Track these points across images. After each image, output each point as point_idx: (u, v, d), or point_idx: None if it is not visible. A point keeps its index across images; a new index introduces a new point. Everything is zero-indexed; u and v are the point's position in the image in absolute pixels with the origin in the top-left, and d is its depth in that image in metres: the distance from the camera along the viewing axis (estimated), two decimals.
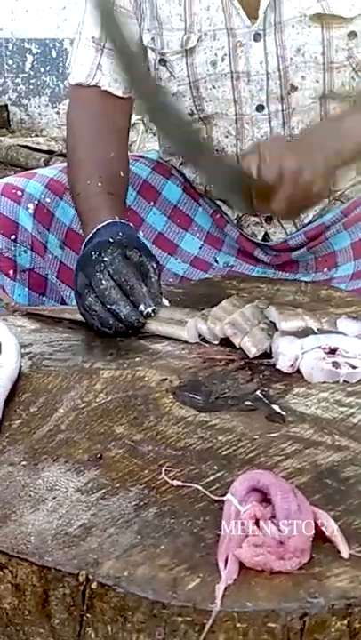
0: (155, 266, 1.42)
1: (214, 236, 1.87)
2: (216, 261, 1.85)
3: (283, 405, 1.15)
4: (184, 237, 1.86)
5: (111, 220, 1.49)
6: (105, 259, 1.37)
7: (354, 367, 1.21)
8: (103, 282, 1.36)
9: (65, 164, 1.80)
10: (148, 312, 1.36)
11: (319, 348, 1.23)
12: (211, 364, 1.28)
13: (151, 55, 1.69)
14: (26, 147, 5.47)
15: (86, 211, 1.58)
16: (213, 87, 1.66)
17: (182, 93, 1.68)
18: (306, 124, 1.68)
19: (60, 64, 5.95)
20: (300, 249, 1.82)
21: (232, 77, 1.64)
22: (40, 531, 0.91)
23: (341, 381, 1.21)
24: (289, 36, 1.60)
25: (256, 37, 1.61)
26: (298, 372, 1.24)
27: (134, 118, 5.23)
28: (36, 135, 6.01)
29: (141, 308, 1.36)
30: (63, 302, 1.77)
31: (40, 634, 0.88)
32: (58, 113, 6.01)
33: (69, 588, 0.85)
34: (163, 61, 1.67)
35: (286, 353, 1.24)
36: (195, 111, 1.70)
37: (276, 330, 1.32)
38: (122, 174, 1.68)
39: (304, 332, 1.28)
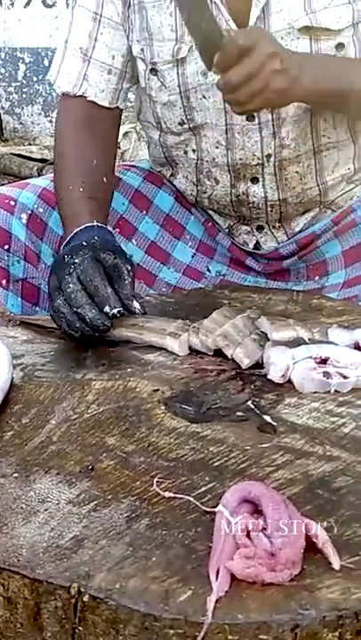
0: (129, 268, 1.42)
1: (207, 245, 1.87)
2: (208, 270, 1.86)
3: (274, 416, 1.16)
4: (176, 246, 1.86)
5: (89, 224, 1.52)
6: (75, 261, 1.39)
7: (345, 377, 1.21)
8: (71, 285, 1.37)
9: None
10: (113, 313, 1.36)
11: (310, 357, 1.23)
12: (202, 375, 1.28)
13: (141, 66, 1.69)
14: (19, 155, 5.46)
15: (68, 216, 1.61)
16: (204, 97, 1.66)
17: (173, 103, 1.69)
18: (296, 133, 1.68)
19: None
20: (291, 257, 1.82)
21: None
22: (32, 543, 0.91)
23: (333, 391, 1.21)
24: None
25: None
26: (289, 382, 1.24)
27: (127, 127, 5.23)
28: (29, 144, 6.00)
29: (106, 309, 1.36)
30: None
31: None
32: (51, 121, 6.01)
33: (61, 601, 0.85)
34: (154, 71, 1.68)
35: (278, 363, 1.24)
36: (185, 121, 1.70)
37: (268, 340, 1.32)
38: (105, 180, 1.70)
39: (295, 342, 1.28)
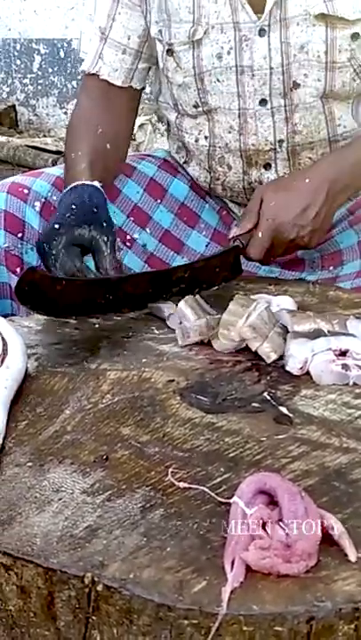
0: (106, 239, 1.46)
1: (221, 234, 1.87)
2: None
3: (290, 407, 1.15)
4: (190, 235, 1.86)
5: (73, 185, 1.58)
6: (53, 252, 1.45)
7: None
8: (59, 272, 1.44)
9: None
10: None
11: (330, 350, 1.23)
12: (218, 366, 1.27)
13: (159, 47, 1.71)
14: (34, 147, 5.46)
15: (66, 178, 1.67)
16: (218, 80, 1.67)
17: (188, 85, 1.70)
18: (309, 120, 1.68)
19: (69, 64, 5.95)
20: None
21: (237, 71, 1.65)
22: (45, 532, 0.90)
23: (351, 383, 1.20)
24: (293, 33, 1.62)
25: (261, 32, 1.62)
26: (307, 373, 1.23)
27: (143, 119, 5.23)
28: (44, 136, 6.00)
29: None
30: None
31: (45, 636, 0.88)
32: (66, 113, 6.00)
33: (75, 591, 0.85)
34: (170, 52, 1.69)
35: (296, 355, 1.24)
36: (199, 103, 1.71)
37: (287, 332, 1.31)
38: (108, 147, 1.74)
39: (315, 334, 1.28)
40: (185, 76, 1.69)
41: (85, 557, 0.86)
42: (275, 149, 1.71)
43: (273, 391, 1.19)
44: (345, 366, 1.21)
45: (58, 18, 5.89)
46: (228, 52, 1.64)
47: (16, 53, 6.20)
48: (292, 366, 1.24)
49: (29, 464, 1.03)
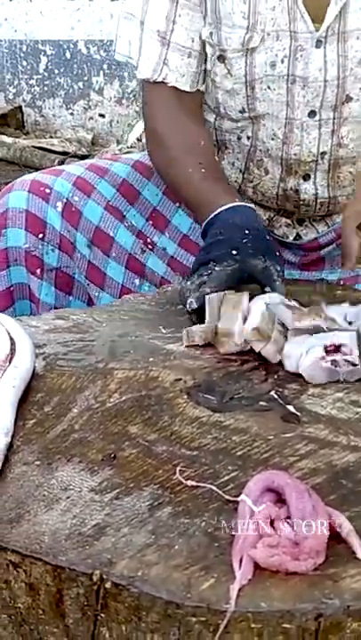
0: (278, 269, 1.41)
1: None
2: None
3: (298, 406, 1.15)
4: None
5: (234, 204, 1.51)
6: (216, 268, 1.39)
7: (354, 364, 1.21)
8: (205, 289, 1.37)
9: (90, 162, 1.83)
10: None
11: (321, 346, 1.22)
12: (225, 365, 1.27)
13: (209, 50, 1.66)
14: (40, 148, 5.46)
15: (198, 197, 1.59)
16: (269, 88, 1.64)
17: (236, 91, 1.66)
18: (357, 134, 1.67)
19: (75, 65, 5.95)
20: (329, 245, 1.81)
21: (288, 80, 1.62)
22: (54, 530, 0.91)
23: (342, 379, 1.21)
24: (352, 46, 1.59)
25: (318, 44, 1.59)
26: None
27: None
28: (51, 137, 6.00)
29: None
30: (90, 302, 1.77)
31: (54, 633, 0.88)
32: (72, 114, 6.00)
33: (83, 588, 0.85)
34: (221, 58, 1.65)
35: (291, 355, 1.24)
36: (246, 109, 1.68)
37: (287, 329, 1.31)
38: (216, 159, 1.71)
39: (314, 331, 1.27)
40: (235, 83, 1.65)
41: (94, 555, 0.87)
42: (316, 161, 1.69)
43: (280, 390, 1.20)
44: (334, 362, 1.20)
45: (64, 19, 5.90)
46: (282, 61, 1.61)
47: (22, 55, 6.21)
48: (290, 366, 1.24)
49: (37, 462, 1.03)
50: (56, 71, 6.11)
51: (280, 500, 0.90)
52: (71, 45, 5.96)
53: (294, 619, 0.79)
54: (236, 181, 1.80)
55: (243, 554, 0.84)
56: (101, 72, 5.81)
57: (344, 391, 1.19)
